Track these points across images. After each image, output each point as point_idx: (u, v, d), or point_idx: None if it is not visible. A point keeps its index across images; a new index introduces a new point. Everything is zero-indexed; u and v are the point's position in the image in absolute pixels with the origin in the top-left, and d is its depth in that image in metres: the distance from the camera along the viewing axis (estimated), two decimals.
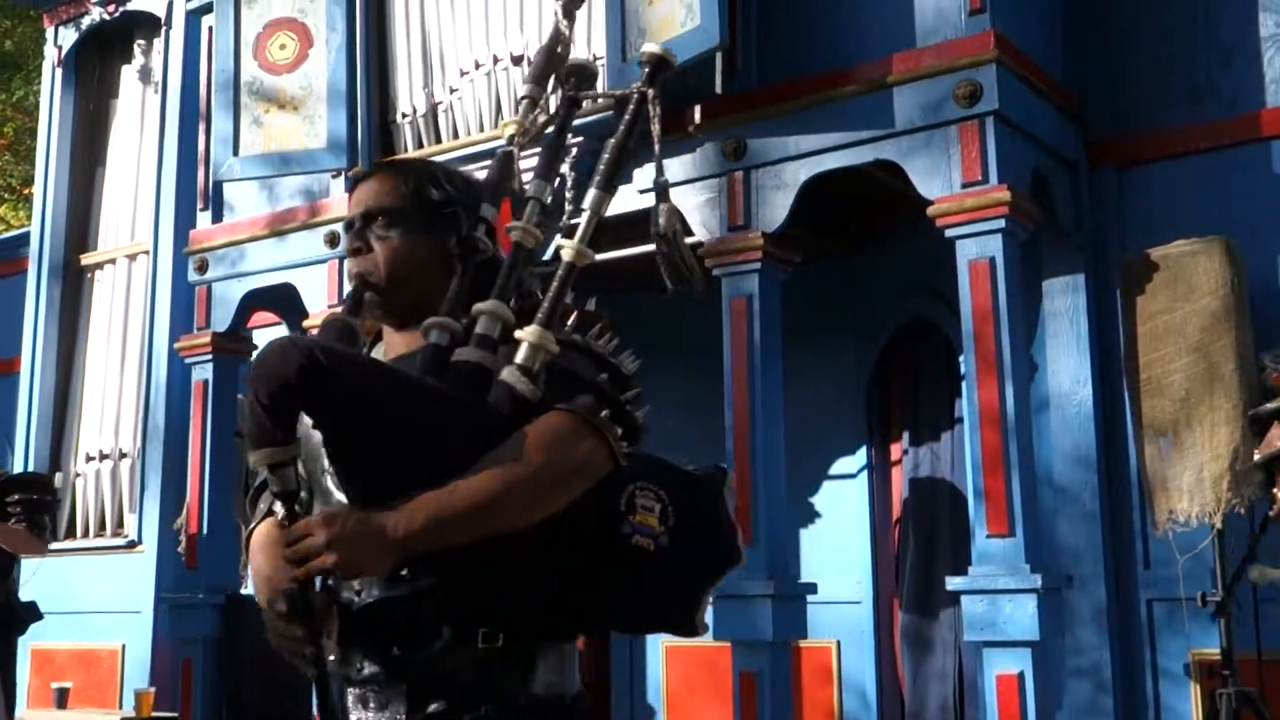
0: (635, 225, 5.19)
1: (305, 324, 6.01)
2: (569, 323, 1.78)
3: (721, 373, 4.92)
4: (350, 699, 1.75)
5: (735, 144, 4.92)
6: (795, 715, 4.89)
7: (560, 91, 2.03)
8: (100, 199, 8.02)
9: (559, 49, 2.07)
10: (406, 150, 5.59)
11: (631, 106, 1.92)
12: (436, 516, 1.58)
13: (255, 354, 1.72)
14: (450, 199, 1.88)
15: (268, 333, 6.98)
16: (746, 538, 4.72)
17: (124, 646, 7.08)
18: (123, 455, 7.38)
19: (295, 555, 1.60)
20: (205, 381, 6.40)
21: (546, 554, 1.65)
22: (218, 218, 6.51)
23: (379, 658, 1.71)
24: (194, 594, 6.22)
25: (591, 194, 1.86)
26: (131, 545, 7.14)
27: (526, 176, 1.98)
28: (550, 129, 2.03)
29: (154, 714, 6.24)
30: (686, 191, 5.02)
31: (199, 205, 6.59)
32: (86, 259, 7.94)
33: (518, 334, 1.71)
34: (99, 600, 7.14)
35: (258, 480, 1.89)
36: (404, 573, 1.66)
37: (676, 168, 5.05)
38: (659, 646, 6.24)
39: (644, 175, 5.12)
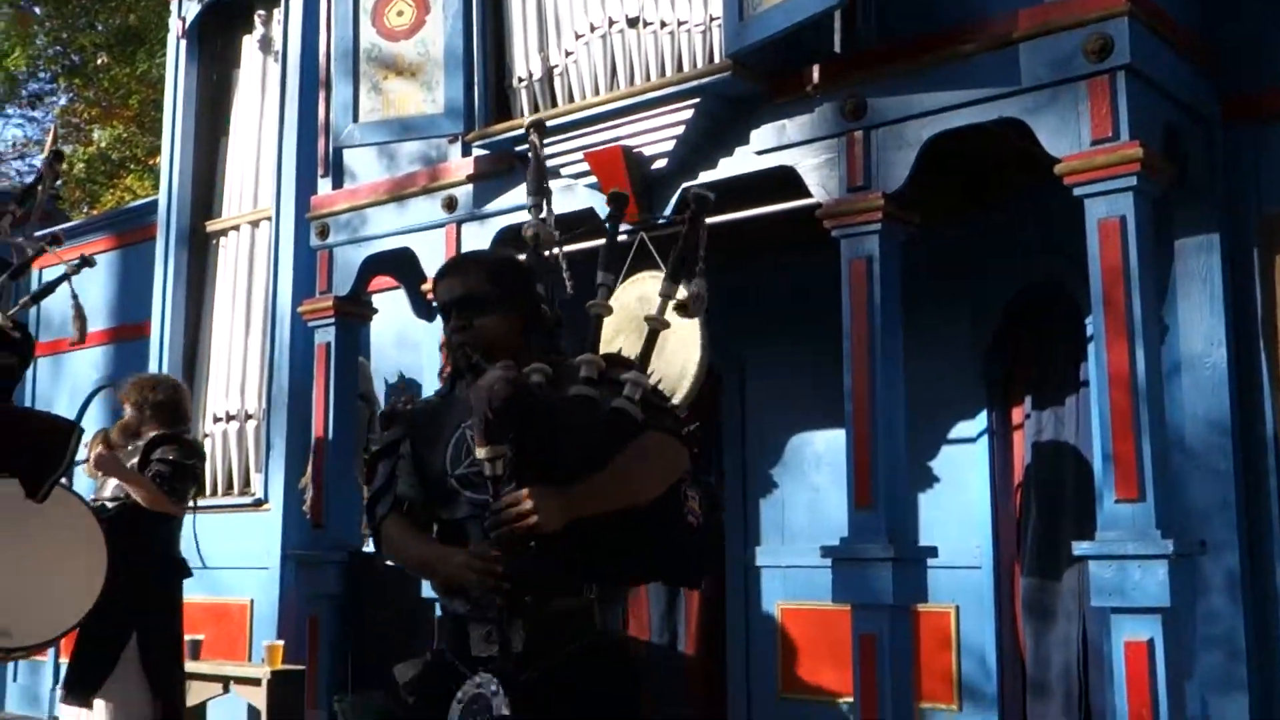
0: (752, 188, 5.21)
1: (423, 288, 6.09)
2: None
3: (840, 335, 4.88)
4: (473, 628, 2.39)
5: (854, 103, 4.85)
6: (914, 680, 4.86)
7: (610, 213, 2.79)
8: (224, 167, 8.20)
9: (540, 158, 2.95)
10: (523, 114, 5.62)
11: (683, 232, 2.65)
12: (595, 493, 2.32)
13: (481, 380, 2.32)
14: (517, 283, 2.59)
15: (387, 296, 7.10)
16: (866, 500, 4.70)
17: (252, 601, 7.30)
18: (249, 417, 7.57)
19: (507, 517, 2.26)
20: (327, 344, 6.53)
21: (641, 527, 2.38)
22: (338, 184, 6.61)
23: (520, 602, 2.32)
24: (319, 551, 6.38)
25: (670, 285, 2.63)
26: (258, 504, 7.33)
27: None
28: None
29: (283, 666, 6.42)
30: (804, 152, 4.97)
31: (320, 172, 6.70)
32: (212, 226, 8.14)
33: (623, 376, 2.46)
34: (229, 556, 7.34)
35: (375, 447, 2.65)
36: (530, 544, 2.29)
37: (794, 129, 5.01)
38: (774, 609, 6.24)
39: (760, 136, 5.09)
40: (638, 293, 5.40)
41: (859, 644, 4.66)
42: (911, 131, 4.74)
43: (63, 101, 22.62)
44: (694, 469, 2.48)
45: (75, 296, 4.65)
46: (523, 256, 2.79)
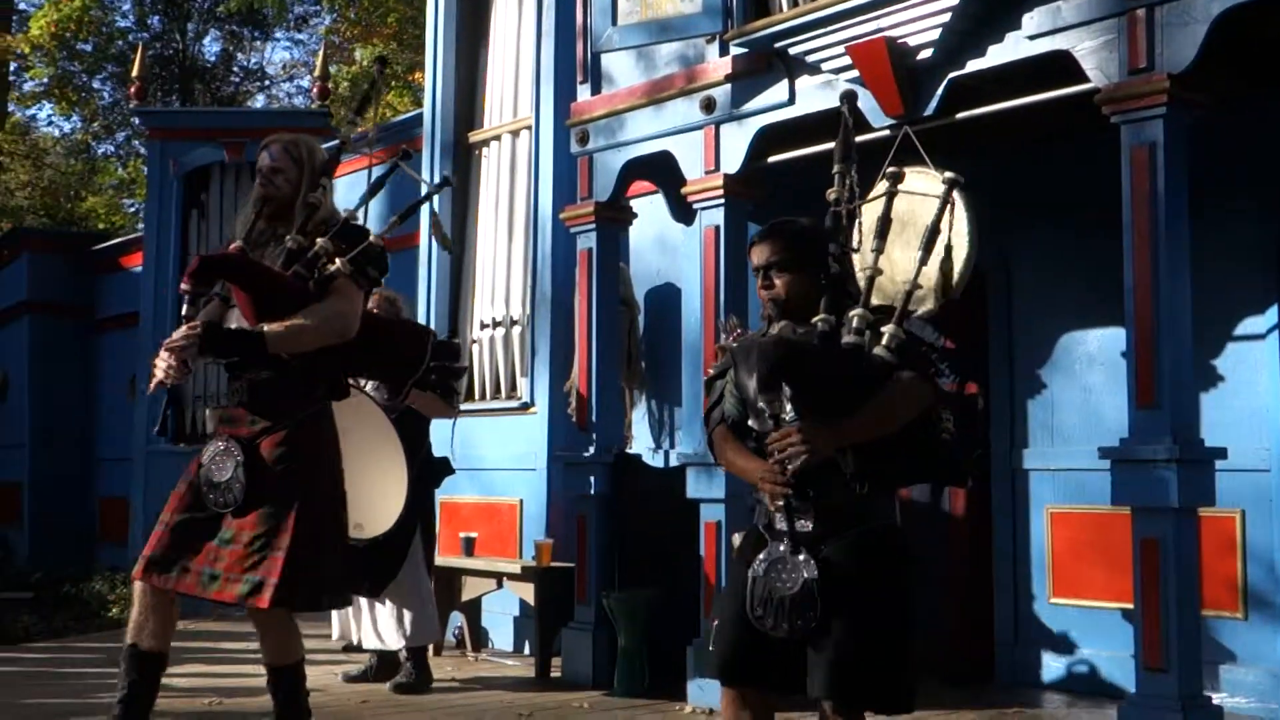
0: (1023, 75, 4.98)
1: (683, 190, 6.11)
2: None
3: (1116, 228, 4.65)
4: (780, 516, 3.15)
5: None
6: (1197, 587, 4.66)
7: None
8: (484, 78, 8.39)
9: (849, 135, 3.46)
10: (781, 10, 5.51)
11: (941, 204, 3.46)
12: (859, 425, 3.05)
13: (751, 347, 3.20)
14: (813, 248, 3.28)
15: (646, 201, 7.15)
16: (1147, 400, 4.50)
17: (521, 501, 7.58)
18: (514, 322, 7.81)
19: (783, 445, 3.04)
20: (589, 250, 6.63)
21: (902, 442, 3.09)
22: (596, 89, 6.66)
23: (802, 497, 3.11)
24: (584, 453, 6.55)
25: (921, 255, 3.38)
26: (525, 407, 7.58)
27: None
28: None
29: (553, 563, 6.67)
30: (1081, 34, 4.71)
31: (578, 78, 6.75)
32: (474, 136, 8.36)
33: (882, 329, 3.13)
34: (498, 458, 7.65)
35: (713, 372, 3.45)
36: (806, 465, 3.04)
37: (1069, 10, 4.74)
38: (1043, 513, 6.08)
39: (1032, 20, 4.85)
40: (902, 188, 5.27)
41: (1140, 549, 4.50)
42: (1199, 7, 4.42)
43: (326, 22, 23.57)
44: (948, 393, 3.12)
45: (435, 214, 5.16)
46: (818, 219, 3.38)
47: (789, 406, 3.07)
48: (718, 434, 3.37)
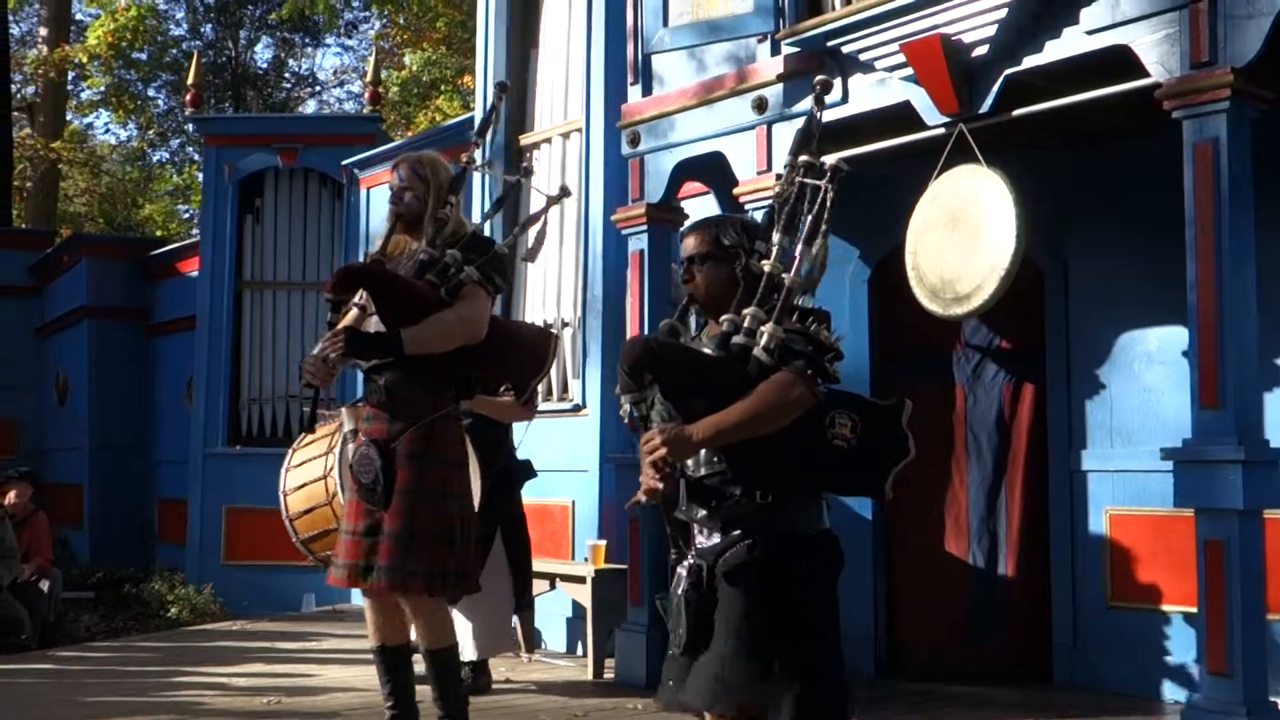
0: (1079, 70, 4.91)
1: (735, 191, 6.09)
2: (795, 315, 3.01)
3: (1177, 224, 4.58)
4: (694, 528, 3.09)
5: None
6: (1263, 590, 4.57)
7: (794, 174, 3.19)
8: (534, 81, 8.40)
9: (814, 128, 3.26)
10: (834, 8, 5.48)
11: (821, 196, 3.09)
12: (718, 427, 2.91)
13: (624, 343, 3.13)
14: (735, 243, 3.16)
15: (697, 202, 7.14)
16: (1211, 400, 4.42)
17: (574, 502, 7.58)
18: (565, 325, 7.81)
19: (647, 448, 2.94)
20: (641, 251, 6.62)
21: (786, 449, 2.94)
22: (647, 90, 6.65)
23: (704, 507, 3.02)
24: (636, 455, 6.52)
25: (802, 248, 3.06)
26: (577, 409, 7.58)
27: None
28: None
29: (606, 565, 6.66)
30: (1141, 28, 4.64)
31: (629, 79, 6.74)
32: (525, 139, 8.37)
33: (761, 328, 2.97)
34: (551, 459, 7.64)
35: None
36: (715, 459, 2.97)
37: (1129, 4, 4.68)
38: (1102, 514, 6.00)
39: (1091, 15, 4.79)
40: (953, 187, 5.24)
41: (1204, 551, 4.43)
42: None
43: (376, 28, 23.75)
44: (854, 397, 3.04)
45: (545, 224, 5.61)
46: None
47: (657, 408, 3.05)
48: None
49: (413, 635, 6.39)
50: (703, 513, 3.02)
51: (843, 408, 2.99)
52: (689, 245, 3.21)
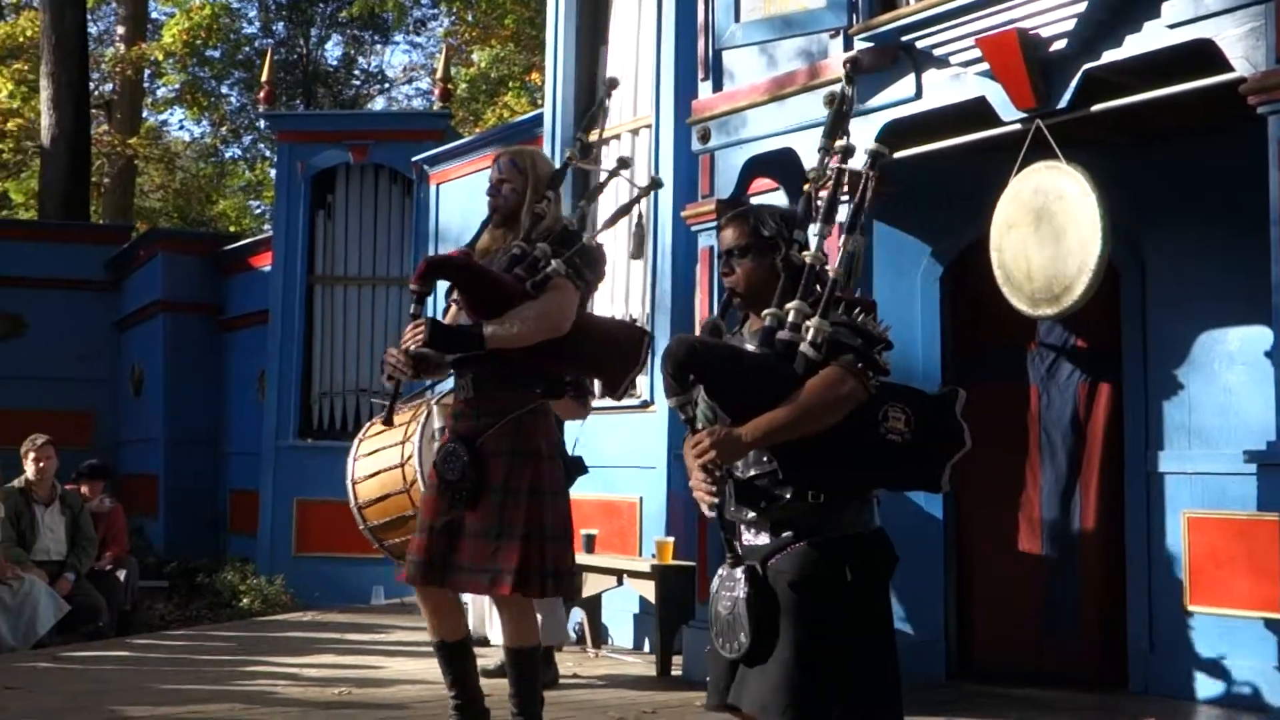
0: (1160, 65, 4.82)
1: (805, 188, 6.03)
2: (841, 307, 2.88)
3: (1260, 223, 4.48)
4: (741, 528, 2.97)
5: None
6: None
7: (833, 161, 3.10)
8: (604, 76, 8.39)
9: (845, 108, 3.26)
10: (908, 2, 5.43)
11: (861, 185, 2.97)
12: (769, 427, 2.78)
13: (667, 345, 2.89)
14: (775, 233, 3.01)
15: (768, 198, 7.10)
16: None
17: (641, 499, 7.59)
18: (633, 320, 7.80)
19: (695, 451, 2.80)
20: (711, 248, 6.59)
21: (838, 446, 2.82)
22: (718, 86, 6.62)
23: (753, 509, 2.91)
24: None
25: (845, 238, 2.95)
26: (645, 405, 7.58)
27: None
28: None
29: (673, 561, 6.65)
30: (1225, 21, 4.55)
31: (699, 75, 6.72)
32: (593, 135, 8.35)
33: (807, 323, 2.84)
34: (618, 456, 7.66)
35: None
36: (764, 459, 2.84)
37: None
38: (1180, 518, 5.88)
39: (1172, 8, 4.70)
40: (1033, 184, 5.16)
41: None
42: None
43: (444, 25, 23.91)
44: (908, 389, 2.93)
45: (641, 216, 5.57)
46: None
47: (701, 408, 2.88)
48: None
49: (471, 628, 6.43)
50: (752, 514, 2.92)
51: (895, 400, 2.87)
52: (727, 238, 3.07)
